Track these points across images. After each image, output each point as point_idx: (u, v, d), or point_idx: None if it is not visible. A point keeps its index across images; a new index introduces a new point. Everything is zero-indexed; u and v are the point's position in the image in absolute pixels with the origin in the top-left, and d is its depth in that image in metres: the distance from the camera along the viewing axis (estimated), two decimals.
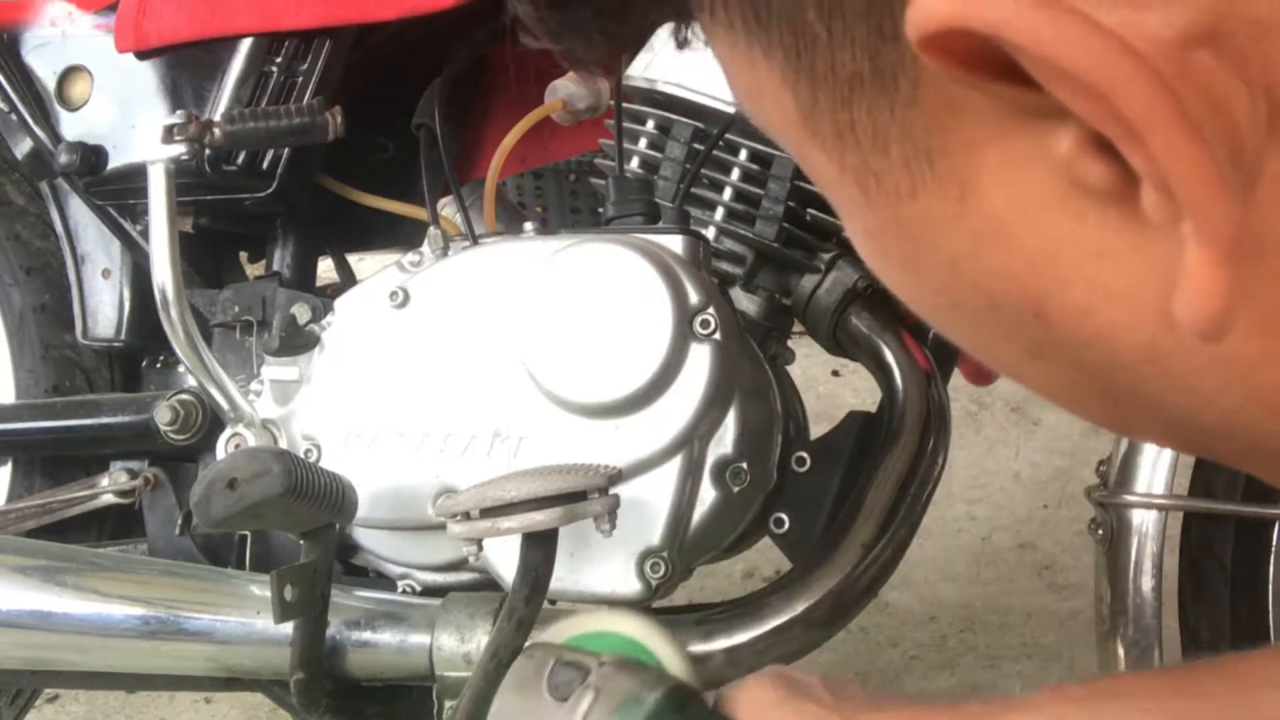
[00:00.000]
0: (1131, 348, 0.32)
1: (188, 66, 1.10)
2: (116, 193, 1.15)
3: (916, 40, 0.28)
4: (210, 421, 1.07)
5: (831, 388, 2.65)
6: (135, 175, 1.05)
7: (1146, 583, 0.95)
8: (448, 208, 1.11)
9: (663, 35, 1.15)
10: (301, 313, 1.06)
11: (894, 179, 0.33)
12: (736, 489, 0.89)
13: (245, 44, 1.08)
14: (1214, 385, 0.32)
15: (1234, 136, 0.27)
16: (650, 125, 1.02)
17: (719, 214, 0.99)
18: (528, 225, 1.00)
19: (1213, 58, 0.27)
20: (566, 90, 1.07)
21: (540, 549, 0.82)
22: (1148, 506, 0.96)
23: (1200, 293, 0.28)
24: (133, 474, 1.15)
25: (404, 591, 0.99)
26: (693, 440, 0.88)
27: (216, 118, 1.00)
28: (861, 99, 0.32)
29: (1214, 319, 0.28)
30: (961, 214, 0.32)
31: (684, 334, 0.88)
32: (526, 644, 0.63)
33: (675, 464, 0.88)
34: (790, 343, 1.04)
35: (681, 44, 0.42)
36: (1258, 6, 0.27)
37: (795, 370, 1.03)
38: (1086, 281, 0.31)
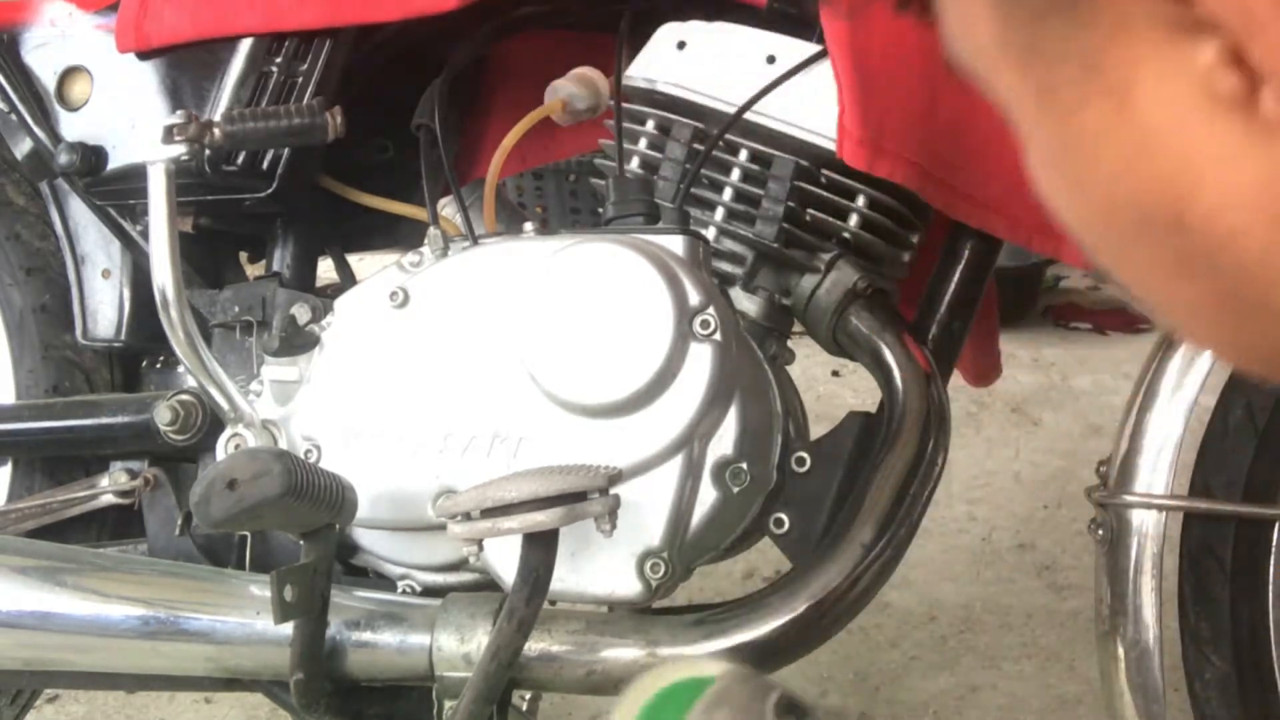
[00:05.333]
0: (1255, 250, 0.38)
1: (188, 66, 1.10)
2: (116, 193, 1.15)
3: None
4: (210, 422, 1.07)
5: (831, 388, 2.65)
6: (135, 175, 1.04)
7: (1146, 583, 0.95)
8: (448, 208, 1.11)
9: (663, 35, 1.15)
10: (301, 313, 1.06)
11: (1067, 92, 0.41)
12: (736, 489, 0.89)
13: (245, 44, 1.08)
14: None
15: None
16: (650, 125, 1.02)
17: (719, 214, 0.99)
18: (528, 225, 1.00)
19: None
20: (566, 90, 1.07)
21: (541, 549, 0.82)
22: (1148, 506, 0.96)
23: None
24: (133, 474, 1.15)
25: (404, 592, 0.99)
26: (693, 440, 0.88)
27: (216, 118, 1.00)
28: (1049, 18, 0.41)
29: None
30: (1118, 124, 0.40)
31: (684, 334, 0.88)
32: (717, 670, 0.58)
33: (675, 464, 0.88)
34: (790, 343, 1.04)
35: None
36: None
37: (795, 370, 1.03)
38: (1217, 185, 0.38)
